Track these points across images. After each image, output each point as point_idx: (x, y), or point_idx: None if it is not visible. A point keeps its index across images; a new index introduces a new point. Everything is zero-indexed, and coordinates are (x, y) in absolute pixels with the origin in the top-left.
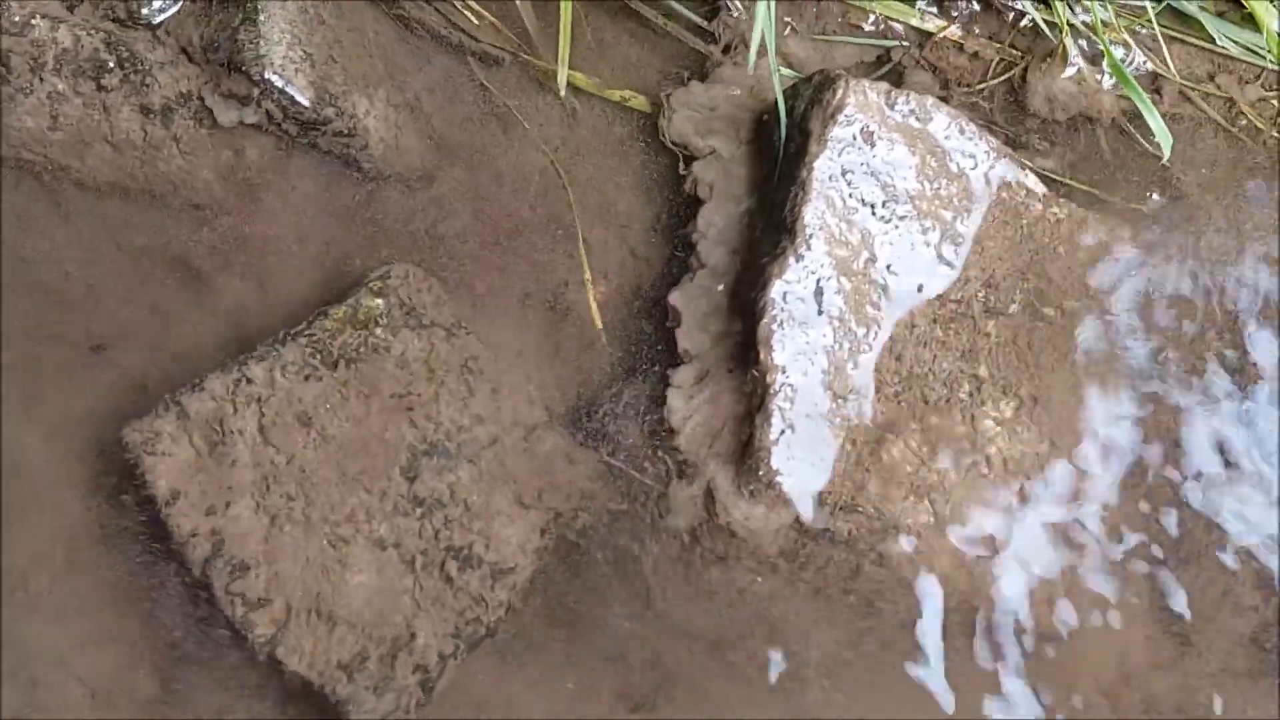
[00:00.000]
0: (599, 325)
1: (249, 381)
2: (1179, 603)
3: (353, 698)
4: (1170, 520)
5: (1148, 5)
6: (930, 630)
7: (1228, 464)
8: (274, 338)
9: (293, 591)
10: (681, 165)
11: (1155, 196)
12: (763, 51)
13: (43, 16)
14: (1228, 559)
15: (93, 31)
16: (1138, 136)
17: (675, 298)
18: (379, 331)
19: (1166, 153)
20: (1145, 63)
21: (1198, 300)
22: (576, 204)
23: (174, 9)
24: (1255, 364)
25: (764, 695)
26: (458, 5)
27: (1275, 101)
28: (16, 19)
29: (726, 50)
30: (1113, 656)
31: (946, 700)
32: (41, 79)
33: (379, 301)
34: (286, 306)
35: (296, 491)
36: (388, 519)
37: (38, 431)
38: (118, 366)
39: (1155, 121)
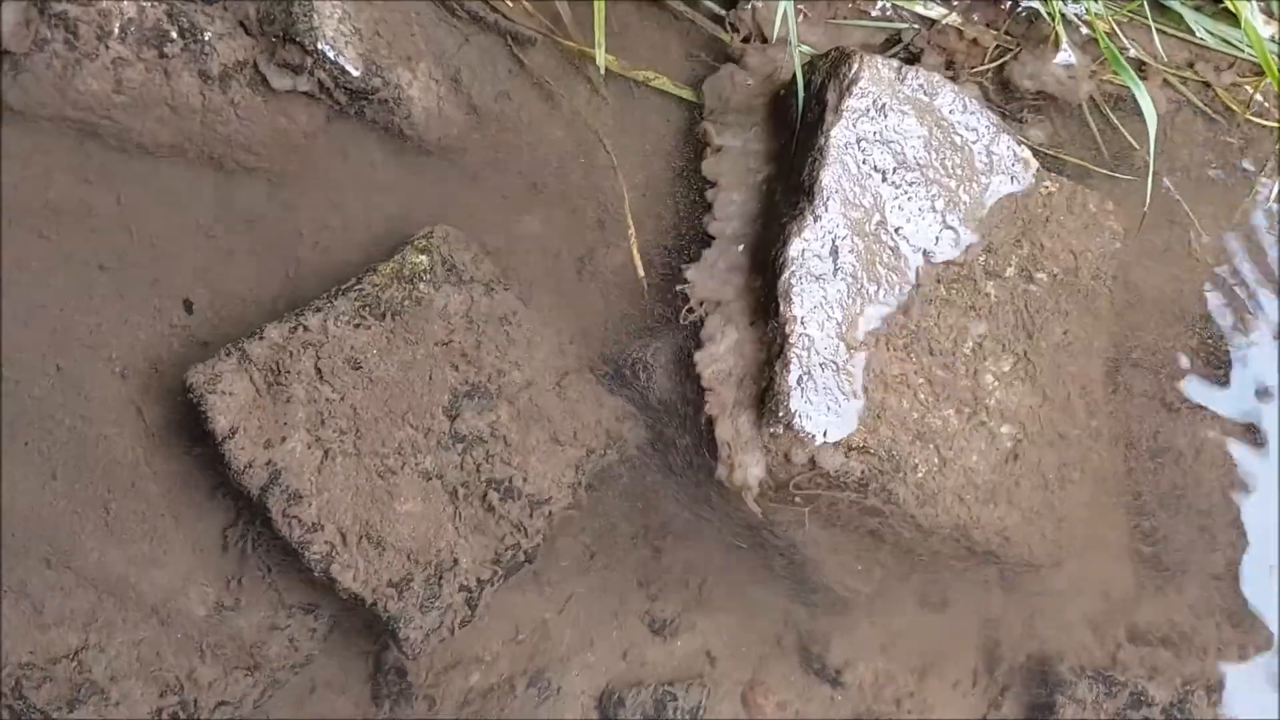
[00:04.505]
0: (641, 274)
1: (305, 329)
2: (1160, 539)
3: (403, 613)
4: (1151, 464)
5: None
6: (932, 561)
7: (1205, 411)
8: (327, 291)
9: (344, 517)
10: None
11: (1137, 171)
12: (781, 34)
13: None
14: (1204, 500)
15: (156, 3)
16: (1120, 118)
17: (691, 272)
18: (423, 286)
19: (1152, 131)
20: (1129, 50)
21: (1180, 266)
22: (603, 171)
23: None
24: (1234, 326)
25: (781, 620)
26: None
27: (1249, 87)
28: None
29: (746, 40)
30: (1098, 589)
31: (949, 624)
32: (107, 46)
33: (423, 258)
34: (338, 262)
35: (348, 427)
36: (432, 453)
37: (107, 371)
38: (183, 317)
39: (1145, 102)
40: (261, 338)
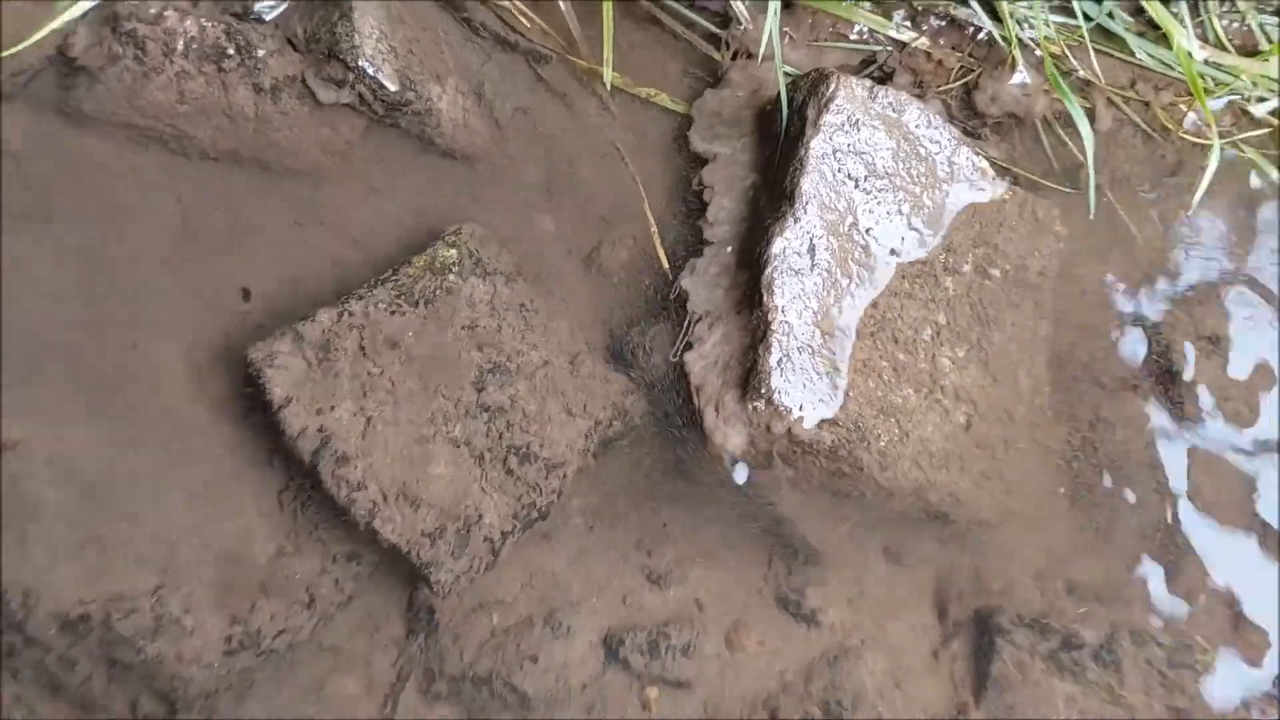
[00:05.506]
0: (667, 265)
1: (350, 314)
2: (1095, 502)
3: (435, 559)
4: (1089, 436)
5: (1081, 24)
6: (893, 520)
7: (1135, 390)
8: (368, 281)
9: (385, 478)
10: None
11: (1083, 182)
12: (767, 55)
13: (174, 9)
14: (1135, 464)
15: (215, 23)
16: (1070, 134)
17: (687, 281)
18: (452, 277)
19: (1089, 147)
20: (1078, 72)
21: (1117, 266)
22: (609, 177)
23: (282, 7)
24: (1160, 318)
25: (761, 573)
26: (513, 11)
27: (1183, 106)
28: (152, 10)
29: (735, 56)
30: (1041, 546)
31: (909, 576)
32: (172, 61)
33: (452, 252)
34: (376, 256)
35: (388, 398)
36: (461, 422)
37: (176, 350)
38: (241, 304)
39: (1080, 119)
40: (313, 320)
